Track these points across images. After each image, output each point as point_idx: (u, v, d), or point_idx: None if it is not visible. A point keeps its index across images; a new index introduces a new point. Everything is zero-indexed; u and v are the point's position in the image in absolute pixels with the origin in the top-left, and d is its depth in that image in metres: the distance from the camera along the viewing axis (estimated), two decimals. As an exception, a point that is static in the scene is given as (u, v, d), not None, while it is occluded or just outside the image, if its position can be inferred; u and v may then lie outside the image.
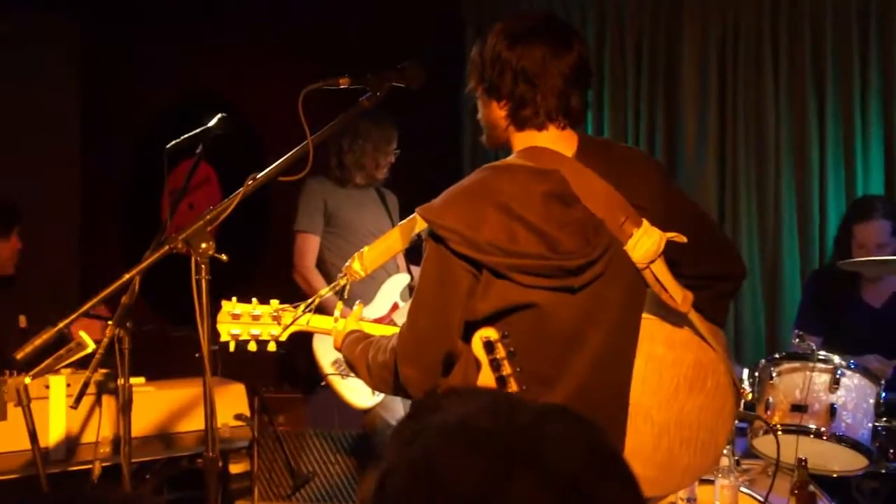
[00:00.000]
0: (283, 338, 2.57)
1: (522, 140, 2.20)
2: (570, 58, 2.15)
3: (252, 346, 2.56)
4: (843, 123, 4.51)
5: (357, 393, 3.98)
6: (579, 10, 5.06)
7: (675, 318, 2.34)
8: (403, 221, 2.56)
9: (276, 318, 2.55)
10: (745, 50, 4.68)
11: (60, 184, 6.68)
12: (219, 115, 2.91)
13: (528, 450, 0.93)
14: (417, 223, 2.48)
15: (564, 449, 0.94)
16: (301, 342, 3.38)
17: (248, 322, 2.54)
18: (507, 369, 2.10)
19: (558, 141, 2.18)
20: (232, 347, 2.57)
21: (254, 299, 2.55)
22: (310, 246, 4.40)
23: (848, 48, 4.48)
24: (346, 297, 2.58)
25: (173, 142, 2.94)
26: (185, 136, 2.93)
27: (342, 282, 2.58)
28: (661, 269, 2.22)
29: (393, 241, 2.56)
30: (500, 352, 2.08)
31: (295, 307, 2.59)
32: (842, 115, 4.51)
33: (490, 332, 1.99)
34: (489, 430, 0.95)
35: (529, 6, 5.13)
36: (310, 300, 2.57)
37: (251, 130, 5.85)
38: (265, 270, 5.69)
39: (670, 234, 2.17)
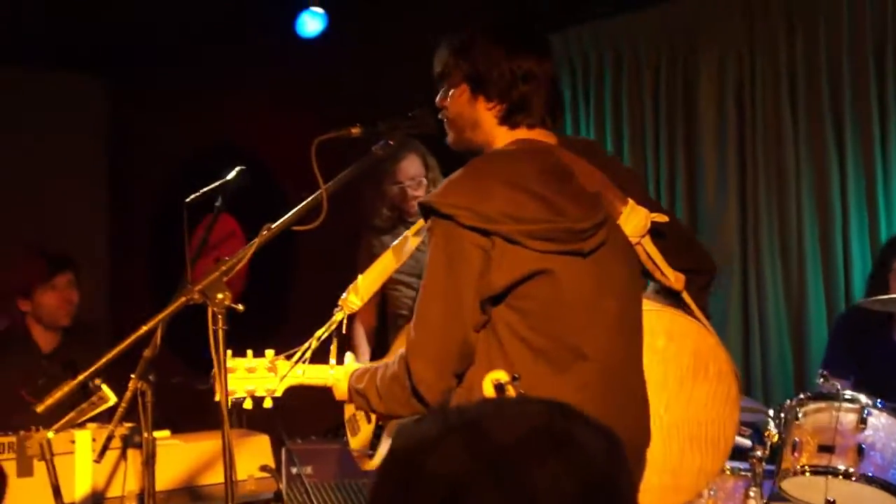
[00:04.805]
0: (279, 392, 2.39)
1: (508, 137, 2.25)
2: (553, 62, 2.29)
3: (248, 404, 2.37)
4: (864, 162, 4.46)
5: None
6: (596, 51, 5.11)
7: (670, 306, 2.35)
8: (396, 242, 2.53)
9: (273, 370, 2.39)
10: (762, 89, 4.66)
11: (88, 238, 6.79)
12: (237, 169, 2.94)
13: (475, 419, 1.00)
14: (409, 239, 2.49)
15: (510, 422, 0.99)
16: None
17: (243, 377, 2.35)
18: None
19: (543, 137, 2.27)
20: (228, 405, 2.30)
21: (249, 351, 2.40)
22: None
23: (865, 84, 4.45)
24: (344, 331, 2.43)
25: (192, 196, 2.98)
26: (204, 189, 2.96)
27: (339, 316, 2.43)
28: (651, 247, 2.28)
29: (387, 262, 2.51)
30: (511, 393, 2.07)
31: (288, 357, 2.40)
32: (862, 154, 4.46)
33: (500, 375, 1.98)
34: (462, 407, 1.04)
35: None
36: (304, 346, 2.38)
37: (275, 183, 5.91)
38: (294, 321, 5.72)
39: (654, 215, 2.25)
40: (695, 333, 2.33)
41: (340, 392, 2.38)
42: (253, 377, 2.38)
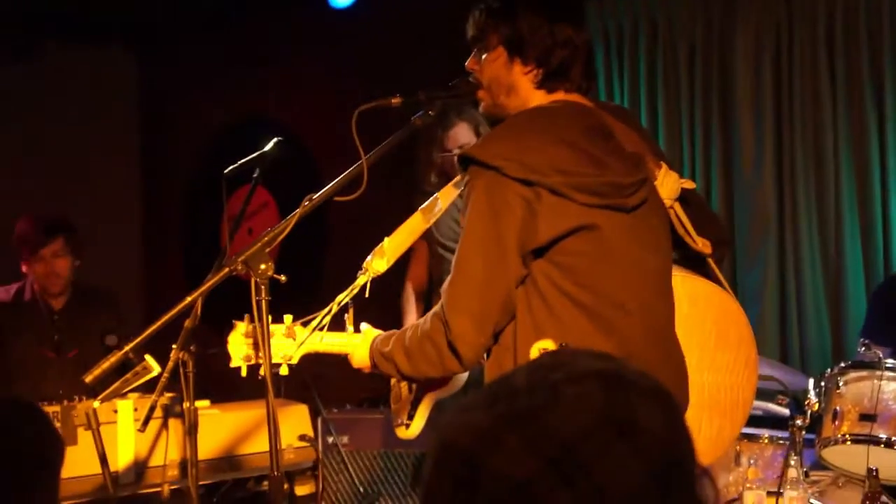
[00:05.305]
0: (295, 360, 2.35)
1: (546, 100, 2.23)
2: (589, 34, 2.30)
3: (264, 370, 2.24)
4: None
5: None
6: (631, 20, 5.05)
7: (693, 271, 2.36)
8: (426, 203, 2.50)
9: (291, 336, 2.35)
10: (800, 56, 4.60)
11: (122, 209, 6.84)
12: (274, 140, 2.96)
13: (531, 409, 0.94)
14: (440, 198, 2.47)
15: (568, 412, 0.93)
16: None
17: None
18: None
19: (581, 101, 2.26)
20: (244, 372, 2.36)
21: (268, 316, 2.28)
22: (414, 256, 4.15)
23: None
24: (367, 295, 2.37)
25: (231, 167, 3.00)
26: (242, 161, 2.98)
27: (361, 280, 2.39)
28: (681, 212, 2.30)
29: (415, 223, 2.48)
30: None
31: (305, 324, 2.35)
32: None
33: (548, 344, 1.97)
34: (513, 387, 0.97)
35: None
36: (323, 311, 2.33)
37: (308, 155, 5.92)
38: (327, 291, 5.73)
39: (683, 181, 2.28)
40: (717, 300, 2.33)
41: (358, 359, 2.35)
42: (270, 343, 2.29)
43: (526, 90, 2.23)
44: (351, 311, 2.37)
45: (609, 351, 2.03)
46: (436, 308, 2.14)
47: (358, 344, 2.34)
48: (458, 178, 2.37)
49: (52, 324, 4.12)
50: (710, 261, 2.36)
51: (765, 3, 4.71)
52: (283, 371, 2.35)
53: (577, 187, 2.03)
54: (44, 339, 4.08)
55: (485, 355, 2.17)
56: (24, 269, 4.12)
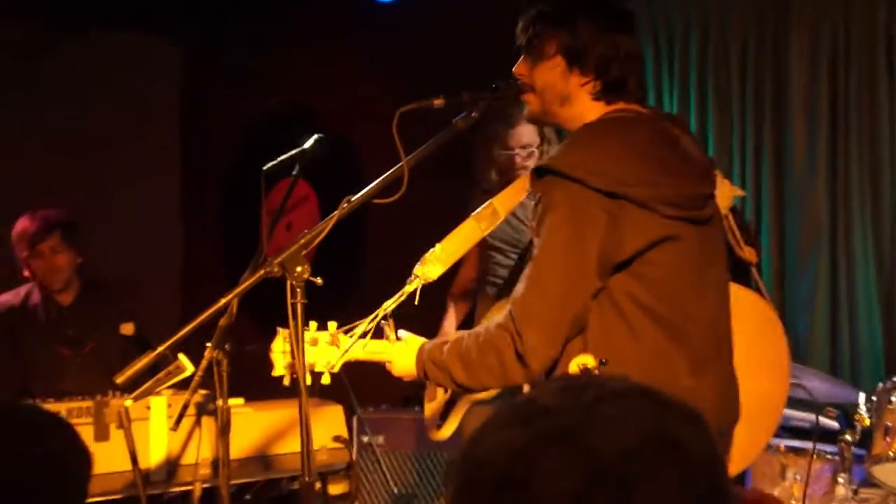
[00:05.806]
0: (337, 368, 2.32)
1: (605, 111, 2.19)
2: (639, 40, 2.30)
3: (307, 379, 2.22)
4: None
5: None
6: (682, 26, 4.94)
7: (735, 279, 2.34)
8: (480, 208, 2.46)
9: (334, 344, 2.33)
10: (857, 60, 4.47)
11: (161, 198, 6.83)
12: (315, 137, 2.90)
13: (569, 429, 0.90)
14: (496, 206, 2.43)
15: (610, 430, 0.90)
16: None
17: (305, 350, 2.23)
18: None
19: (642, 111, 2.24)
20: (287, 381, 2.32)
21: (312, 323, 2.31)
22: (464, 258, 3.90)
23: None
24: (416, 302, 2.35)
25: (270, 163, 2.95)
26: (282, 157, 2.93)
27: (410, 287, 2.36)
28: (732, 220, 2.34)
29: (469, 230, 2.44)
30: (597, 378, 2.01)
31: (347, 332, 2.32)
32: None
33: (588, 360, 1.91)
34: (545, 407, 0.93)
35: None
36: (368, 318, 2.31)
37: (350, 149, 5.87)
38: (365, 292, 5.69)
39: (735, 189, 2.33)
40: (758, 309, 2.36)
41: (400, 367, 2.31)
42: (314, 350, 2.31)
43: (583, 101, 2.20)
44: (391, 319, 2.34)
45: (681, 362, 2.06)
46: (499, 319, 2.10)
47: (400, 352, 2.31)
48: (518, 183, 2.34)
49: (63, 320, 4.12)
50: (753, 269, 2.34)
51: (820, 5, 4.58)
52: (326, 380, 2.33)
53: (659, 199, 2.02)
54: (58, 337, 4.09)
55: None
56: (25, 273, 4.12)
